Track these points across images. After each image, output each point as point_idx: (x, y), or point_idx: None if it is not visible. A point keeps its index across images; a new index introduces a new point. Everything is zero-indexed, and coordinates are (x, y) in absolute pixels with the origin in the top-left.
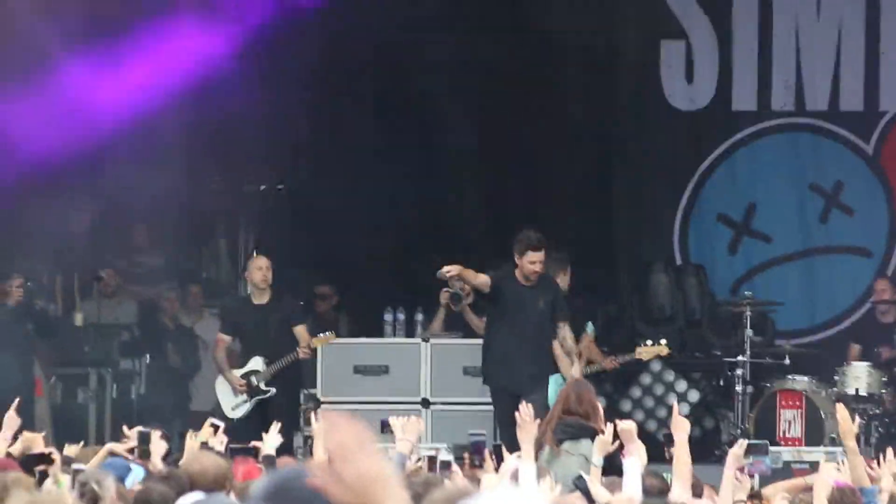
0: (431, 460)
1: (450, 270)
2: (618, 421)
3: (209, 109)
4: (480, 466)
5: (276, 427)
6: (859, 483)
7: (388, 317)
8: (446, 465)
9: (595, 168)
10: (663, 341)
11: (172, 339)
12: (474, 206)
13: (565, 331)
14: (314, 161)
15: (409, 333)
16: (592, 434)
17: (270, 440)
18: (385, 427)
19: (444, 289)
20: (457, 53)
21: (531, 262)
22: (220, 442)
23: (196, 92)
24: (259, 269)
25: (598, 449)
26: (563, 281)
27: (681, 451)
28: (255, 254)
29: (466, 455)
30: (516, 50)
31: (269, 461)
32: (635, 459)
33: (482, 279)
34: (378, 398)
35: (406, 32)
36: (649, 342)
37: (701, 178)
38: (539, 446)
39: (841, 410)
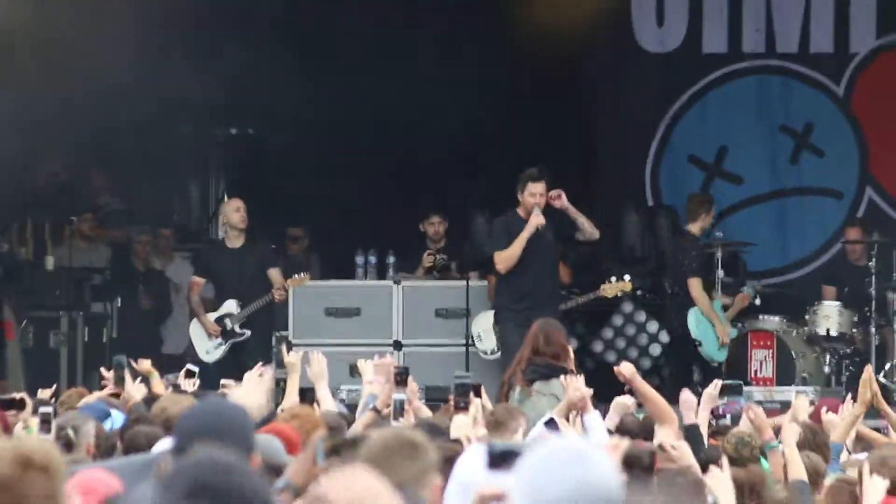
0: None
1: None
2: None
3: (177, 56)
4: (466, 409)
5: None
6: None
7: (359, 259)
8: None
9: (568, 111)
10: (627, 277)
11: (144, 282)
12: (445, 148)
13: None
14: (284, 105)
15: (381, 275)
16: (564, 373)
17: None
18: (353, 370)
19: (429, 252)
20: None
21: (531, 194)
22: (192, 384)
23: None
24: (237, 210)
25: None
26: None
27: (654, 396)
28: (225, 197)
29: (451, 397)
30: None
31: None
32: (597, 414)
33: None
34: (350, 340)
35: None
36: (613, 279)
37: (672, 120)
38: (510, 387)
39: (798, 400)
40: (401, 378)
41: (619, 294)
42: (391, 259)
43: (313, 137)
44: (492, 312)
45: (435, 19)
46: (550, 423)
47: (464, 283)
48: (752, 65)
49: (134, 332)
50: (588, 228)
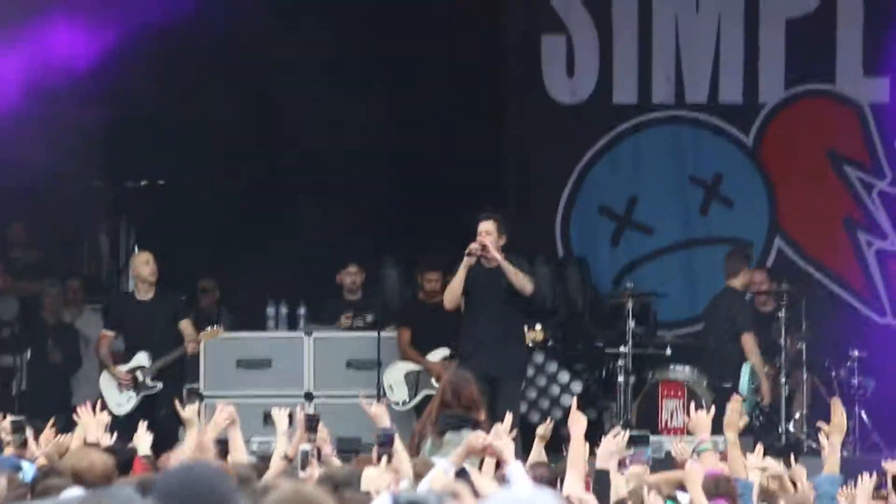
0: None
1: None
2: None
3: (88, 105)
4: (389, 460)
5: (142, 427)
6: (736, 475)
7: (270, 310)
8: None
9: (480, 162)
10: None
11: (53, 335)
12: (358, 203)
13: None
14: (193, 156)
15: (292, 327)
16: (475, 424)
17: (143, 441)
18: (267, 419)
19: (346, 315)
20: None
21: (479, 233)
22: (110, 437)
23: (73, 89)
24: (146, 263)
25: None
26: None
27: (577, 445)
28: (136, 249)
29: (375, 450)
30: (400, 43)
31: (148, 460)
32: (518, 465)
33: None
34: (261, 392)
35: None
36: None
37: (583, 170)
38: (420, 438)
39: (733, 402)
40: (311, 425)
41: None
42: (302, 310)
43: (223, 187)
44: (402, 364)
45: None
46: (462, 474)
47: (375, 334)
48: (662, 115)
49: (44, 385)
50: (516, 281)
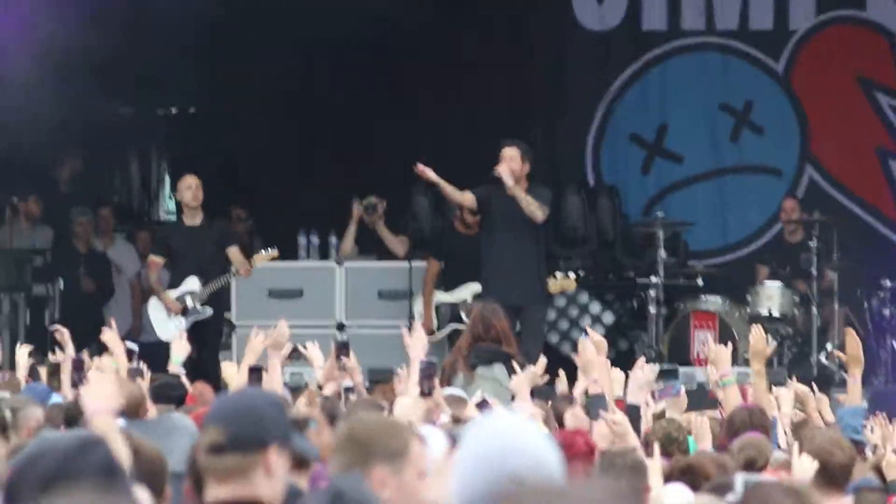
0: (346, 391)
1: (424, 172)
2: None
3: (115, 34)
4: (430, 394)
5: (179, 336)
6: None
7: (301, 240)
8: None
9: (510, 91)
10: (571, 275)
11: (85, 263)
12: (386, 133)
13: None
14: (224, 83)
15: (323, 256)
16: (506, 358)
17: (177, 351)
18: (293, 354)
19: (357, 200)
20: None
21: (501, 158)
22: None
23: (101, 14)
24: (189, 188)
25: (522, 382)
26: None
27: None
28: (166, 177)
29: (418, 380)
30: None
31: (175, 378)
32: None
33: (467, 196)
34: (293, 321)
35: None
36: (558, 274)
37: (613, 98)
38: (453, 372)
39: (756, 331)
40: (341, 352)
41: (561, 292)
42: (333, 240)
43: (253, 114)
44: (438, 294)
45: None
46: (483, 405)
47: (406, 264)
48: (691, 42)
49: (77, 314)
50: (526, 208)
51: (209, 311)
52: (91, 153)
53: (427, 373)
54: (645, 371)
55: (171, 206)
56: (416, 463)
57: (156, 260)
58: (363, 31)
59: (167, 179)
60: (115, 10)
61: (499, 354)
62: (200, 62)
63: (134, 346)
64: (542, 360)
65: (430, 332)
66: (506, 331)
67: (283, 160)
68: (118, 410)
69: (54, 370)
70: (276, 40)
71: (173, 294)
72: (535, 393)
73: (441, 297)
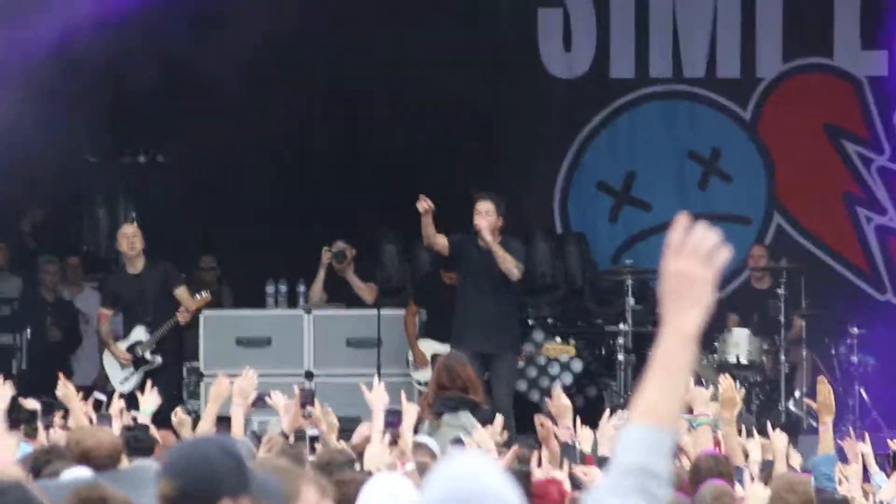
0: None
1: (424, 204)
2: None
3: (87, 78)
4: (395, 443)
5: (149, 387)
6: (731, 456)
7: (269, 288)
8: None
9: (477, 137)
10: (572, 341)
11: (52, 312)
12: (357, 178)
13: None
14: (192, 132)
15: (292, 305)
16: (472, 406)
17: (148, 402)
18: (258, 402)
19: (326, 247)
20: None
21: (476, 213)
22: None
23: (74, 60)
24: (125, 236)
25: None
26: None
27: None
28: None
29: (384, 430)
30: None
31: (144, 429)
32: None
33: (440, 240)
34: (261, 370)
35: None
36: (558, 339)
37: (580, 146)
38: (418, 420)
39: (725, 380)
40: (306, 401)
41: (560, 356)
42: (301, 288)
43: (222, 163)
44: (427, 343)
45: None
46: (457, 442)
47: (375, 312)
48: (659, 90)
49: (44, 364)
50: (504, 266)
51: (159, 359)
52: (58, 201)
53: (391, 420)
54: (612, 422)
55: None
56: None
57: (104, 312)
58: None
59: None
60: (85, 57)
61: (465, 402)
62: (168, 109)
63: (102, 396)
64: (499, 419)
65: (424, 363)
66: (472, 379)
67: (251, 208)
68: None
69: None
70: (246, 88)
71: (122, 345)
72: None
73: (436, 347)
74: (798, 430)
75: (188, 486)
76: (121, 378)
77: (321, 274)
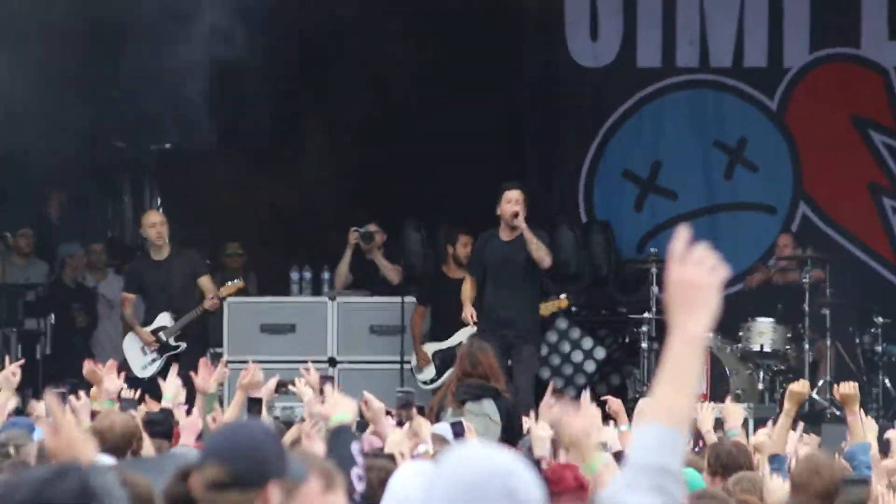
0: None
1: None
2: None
3: (111, 67)
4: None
5: (173, 372)
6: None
7: (294, 275)
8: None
9: (503, 126)
10: (563, 295)
11: (77, 298)
12: (382, 165)
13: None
14: (218, 119)
15: (316, 292)
16: (495, 393)
17: (169, 387)
18: (280, 388)
19: (354, 228)
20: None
21: (507, 201)
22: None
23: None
24: (152, 225)
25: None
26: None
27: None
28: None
29: (394, 412)
30: (420, 7)
31: (164, 411)
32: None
33: (471, 288)
34: (285, 357)
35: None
36: (550, 297)
37: (606, 134)
38: (441, 408)
39: (801, 382)
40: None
41: (556, 311)
42: (326, 275)
43: (248, 148)
44: (430, 343)
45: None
46: (456, 426)
47: (399, 299)
48: (685, 79)
49: (67, 349)
50: (536, 254)
51: (183, 345)
52: (84, 186)
53: (403, 403)
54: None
55: None
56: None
57: (128, 296)
58: (360, 76)
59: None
60: (112, 49)
61: (487, 390)
62: (197, 100)
63: (122, 384)
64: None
65: (427, 362)
66: (493, 367)
67: (275, 195)
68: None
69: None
70: (269, 81)
71: (147, 330)
72: None
73: (435, 346)
74: (822, 419)
75: (238, 471)
76: (142, 364)
77: (347, 254)
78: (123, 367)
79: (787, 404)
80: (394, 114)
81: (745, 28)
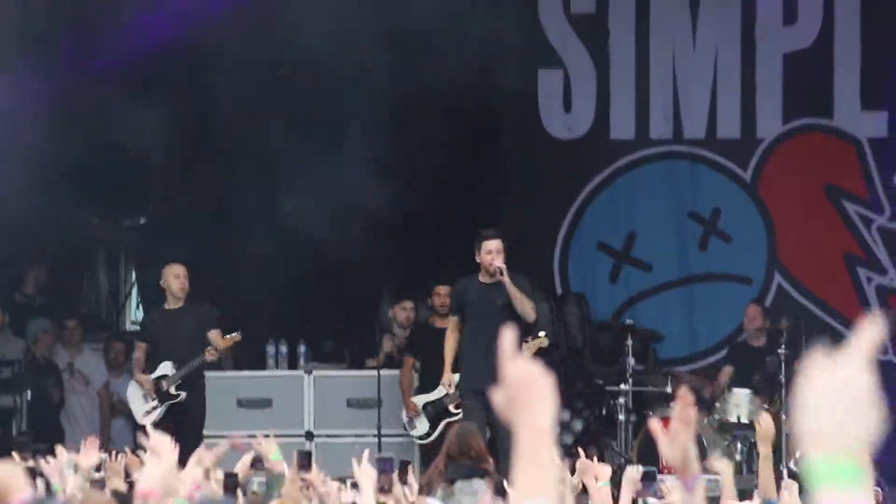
0: None
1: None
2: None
3: (79, 143)
4: (389, 491)
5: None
6: (765, 492)
7: (270, 349)
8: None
9: (479, 198)
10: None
11: (49, 374)
12: (359, 240)
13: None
14: (190, 191)
15: (292, 365)
16: (484, 475)
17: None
18: (258, 463)
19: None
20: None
21: (487, 252)
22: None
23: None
24: (176, 277)
25: None
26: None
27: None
28: (134, 288)
29: (376, 478)
30: (394, 77)
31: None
32: None
33: (452, 348)
34: (262, 431)
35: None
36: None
37: (580, 206)
38: (430, 487)
39: (765, 416)
40: (303, 463)
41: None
42: (302, 348)
43: (220, 226)
44: (420, 396)
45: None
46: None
47: (374, 372)
48: (659, 151)
49: (44, 425)
50: (520, 307)
51: (183, 394)
52: (59, 262)
53: (384, 469)
54: (629, 471)
55: (139, 316)
56: None
57: (140, 345)
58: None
59: (134, 290)
60: (80, 123)
61: (476, 471)
62: (166, 173)
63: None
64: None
65: (417, 413)
66: (482, 450)
67: (248, 270)
68: None
69: None
70: (239, 147)
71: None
72: None
73: (424, 398)
74: (800, 490)
75: None
76: (144, 410)
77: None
78: (106, 441)
79: (761, 449)
80: (367, 185)
81: (718, 99)
